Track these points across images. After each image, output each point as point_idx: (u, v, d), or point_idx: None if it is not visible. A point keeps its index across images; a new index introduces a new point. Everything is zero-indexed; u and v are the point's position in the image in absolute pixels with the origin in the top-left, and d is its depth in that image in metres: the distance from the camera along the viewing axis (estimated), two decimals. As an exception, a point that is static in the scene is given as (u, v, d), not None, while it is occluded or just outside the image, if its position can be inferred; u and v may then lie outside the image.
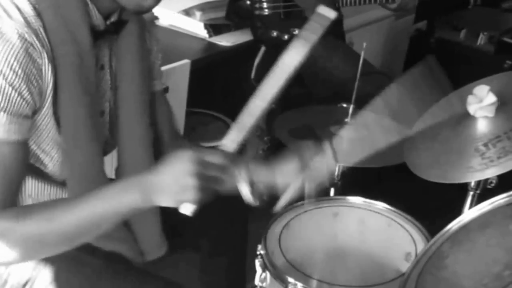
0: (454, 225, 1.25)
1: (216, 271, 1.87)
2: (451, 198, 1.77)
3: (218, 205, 1.35)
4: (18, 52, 1.19)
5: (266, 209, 1.62)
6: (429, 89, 1.61)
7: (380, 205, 1.84)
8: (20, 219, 1.21)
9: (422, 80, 1.59)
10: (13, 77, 1.19)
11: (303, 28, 1.38)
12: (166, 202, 1.24)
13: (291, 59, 1.39)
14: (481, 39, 3.43)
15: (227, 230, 1.78)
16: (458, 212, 1.51)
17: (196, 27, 2.76)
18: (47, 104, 1.28)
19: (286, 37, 2.61)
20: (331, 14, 1.36)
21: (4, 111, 1.20)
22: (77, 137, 1.35)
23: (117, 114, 1.50)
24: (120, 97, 1.49)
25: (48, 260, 1.46)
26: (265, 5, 2.62)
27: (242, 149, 1.35)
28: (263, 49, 2.80)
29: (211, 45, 2.72)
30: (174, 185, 1.21)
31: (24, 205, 1.40)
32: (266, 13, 2.63)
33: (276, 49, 2.72)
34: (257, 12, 2.62)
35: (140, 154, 1.53)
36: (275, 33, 2.62)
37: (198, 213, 1.26)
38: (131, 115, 1.51)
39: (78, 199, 1.24)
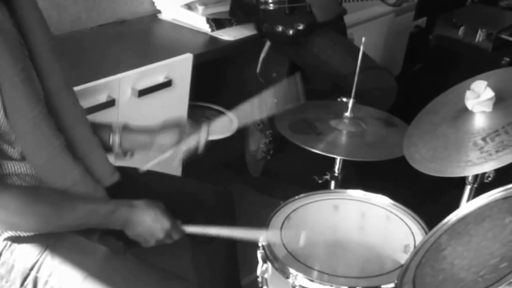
0: (452, 218, 1.26)
1: (208, 256, 1.93)
2: (449, 191, 1.79)
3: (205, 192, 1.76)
4: None
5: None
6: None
7: (380, 198, 1.85)
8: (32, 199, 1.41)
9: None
10: None
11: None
12: (133, 237, 1.56)
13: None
14: (480, 36, 3.45)
15: (215, 216, 1.82)
16: (455, 205, 1.53)
17: (198, 21, 2.77)
18: None
19: (291, 32, 2.62)
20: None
21: None
22: (19, 103, 1.39)
23: (37, 66, 1.49)
24: (35, 52, 1.49)
25: (54, 246, 1.49)
26: (270, 0, 2.64)
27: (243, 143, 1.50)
28: (268, 44, 2.81)
29: (213, 40, 2.73)
30: (147, 230, 1.55)
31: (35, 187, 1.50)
32: (271, 8, 2.63)
33: (281, 44, 2.75)
34: (262, 7, 2.63)
35: (68, 94, 1.57)
36: (280, 28, 2.63)
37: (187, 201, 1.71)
38: (50, 63, 1.51)
39: (80, 207, 1.48)
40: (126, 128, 1.72)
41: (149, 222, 1.54)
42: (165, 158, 1.71)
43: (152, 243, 1.58)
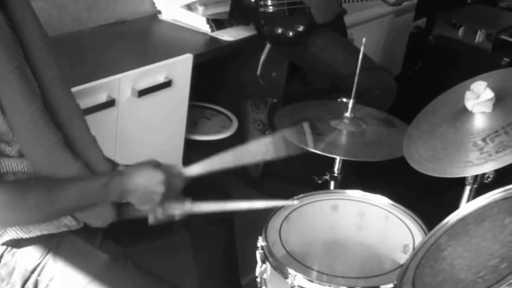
0: (451, 218, 1.26)
1: (208, 250, 1.92)
2: (449, 192, 1.79)
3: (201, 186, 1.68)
4: None
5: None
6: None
7: (379, 198, 1.85)
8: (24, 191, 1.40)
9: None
10: None
11: None
12: (134, 201, 1.53)
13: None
14: (479, 37, 3.44)
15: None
16: (455, 206, 1.53)
17: (198, 21, 2.77)
18: None
19: (290, 33, 2.62)
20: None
21: None
22: (15, 99, 1.39)
23: (32, 63, 1.49)
24: (29, 49, 1.49)
25: (56, 250, 1.49)
26: (269, 2, 2.63)
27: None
28: (268, 46, 2.81)
29: (214, 40, 2.73)
30: (145, 190, 1.51)
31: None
32: (271, 10, 2.64)
33: (281, 45, 2.76)
34: (261, 10, 2.63)
35: (63, 90, 1.56)
36: (279, 30, 2.63)
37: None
38: (45, 60, 1.52)
39: (71, 188, 1.45)
40: None
41: (143, 181, 1.51)
42: (139, 210, 1.65)
43: (157, 201, 1.53)
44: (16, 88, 1.38)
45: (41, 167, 1.48)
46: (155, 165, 1.54)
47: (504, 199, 1.26)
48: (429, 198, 2.69)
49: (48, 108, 1.48)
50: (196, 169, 1.62)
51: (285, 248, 1.67)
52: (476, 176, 1.67)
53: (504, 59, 3.30)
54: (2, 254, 1.49)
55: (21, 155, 1.47)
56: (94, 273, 1.47)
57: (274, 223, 1.74)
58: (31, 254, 1.49)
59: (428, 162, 1.56)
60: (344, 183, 2.14)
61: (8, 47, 1.38)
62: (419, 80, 3.68)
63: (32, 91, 1.43)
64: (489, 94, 1.52)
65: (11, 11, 1.46)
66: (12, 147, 1.45)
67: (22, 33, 1.47)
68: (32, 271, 1.48)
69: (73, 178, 1.49)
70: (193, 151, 2.80)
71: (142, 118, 2.42)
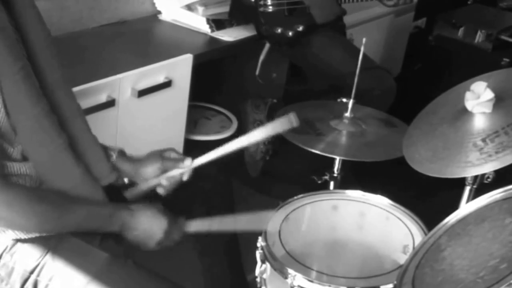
0: (451, 218, 1.26)
1: (212, 247, 1.95)
2: (449, 192, 1.79)
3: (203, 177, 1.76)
4: None
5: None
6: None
7: (379, 198, 1.85)
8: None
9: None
10: None
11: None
12: (131, 238, 1.56)
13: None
14: (479, 37, 3.45)
15: (213, 200, 1.85)
16: (455, 206, 1.53)
17: (198, 22, 2.77)
18: None
19: (290, 33, 2.62)
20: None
21: None
22: (20, 100, 1.39)
23: (36, 64, 1.49)
24: (32, 49, 1.49)
25: (55, 249, 1.49)
26: (269, 2, 2.63)
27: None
28: (267, 45, 2.81)
29: (214, 40, 2.73)
30: (145, 232, 1.55)
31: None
32: (270, 10, 2.64)
33: (280, 45, 2.76)
34: (261, 9, 2.64)
35: (65, 90, 1.57)
36: (279, 30, 2.63)
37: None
38: (48, 60, 1.52)
39: (78, 210, 1.49)
40: (121, 154, 1.72)
41: (146, 223, 1.55)
42: (147, 187, 1.70)
43: (152, 245, 1.57)
44: (21, 88, 1.38)
45: (44, 169, 1.48)
46: (162, 210, 1.58)
47: (504, 199, 1.26)
48: (428, 199, 2.69)
49: (52, 109, 1.48)
50: (199, 225, 1.64)
51: (284, 248, 1.66)
52: (476, 177, 1.67)
53: (504, 59, 3.30)
54: (1, 254, 1.48)
55: (24, 158, 1.46)
56: (93, 272, 1.47)
57: (274, 223, 1.74)
58: (30, 254, 1.48)
59: (428, 162, 1.56)
60: (344, 183, 2.14)
61: (13, 48, 1.38)
62: (419, 80, 3.68)
63: (36, 93, 1.43)
64: (489, 94, 1.52)
65: (16, 10, 1.46)
66: (15, 148, 1.44)
67: (26, 33, 1.47)
68: (32, 271, 1.48)
69: (83, 200, 1.51)
70: (193, 151, 2.79)
71: (142, 118, 2.42)
